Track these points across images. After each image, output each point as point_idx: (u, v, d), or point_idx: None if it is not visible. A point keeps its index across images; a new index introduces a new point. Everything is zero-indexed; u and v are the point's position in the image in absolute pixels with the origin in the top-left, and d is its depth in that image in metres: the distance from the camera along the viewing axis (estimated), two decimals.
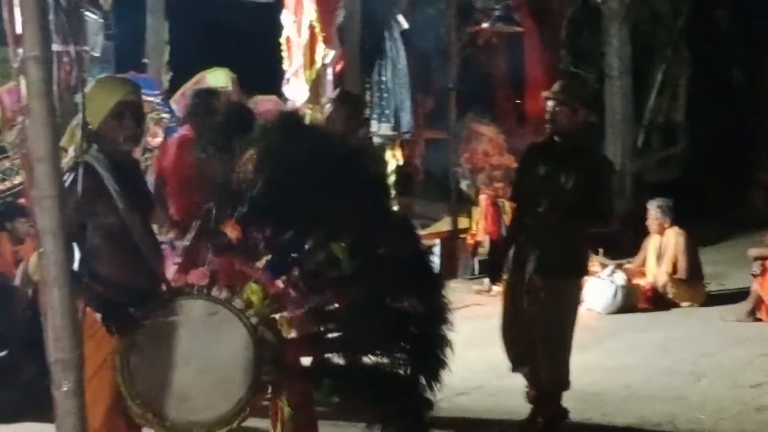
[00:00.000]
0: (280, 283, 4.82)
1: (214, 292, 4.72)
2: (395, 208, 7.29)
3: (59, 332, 3.55)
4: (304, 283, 4.84)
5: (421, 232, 12.67)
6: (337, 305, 4.96)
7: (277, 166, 4.85)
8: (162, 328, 4.62)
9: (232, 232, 4.76)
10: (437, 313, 4.97)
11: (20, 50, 3.66)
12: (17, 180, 10.86)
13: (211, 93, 7.38)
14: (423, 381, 4.97)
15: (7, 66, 15.23)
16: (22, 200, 9.96)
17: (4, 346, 7.89)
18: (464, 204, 13.12)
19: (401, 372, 4.94)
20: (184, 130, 7.61)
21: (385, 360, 4.93)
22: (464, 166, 12.92)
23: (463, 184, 12.97)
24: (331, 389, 4.91)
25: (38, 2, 3.45)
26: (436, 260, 12.60)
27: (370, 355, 4.94)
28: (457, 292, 11.73)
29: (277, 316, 4.85)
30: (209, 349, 4.64)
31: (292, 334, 4.93)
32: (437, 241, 12.78)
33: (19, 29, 3.66)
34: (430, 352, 4.94)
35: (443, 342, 4.95)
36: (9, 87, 11.20)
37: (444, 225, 13.22)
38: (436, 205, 13.90)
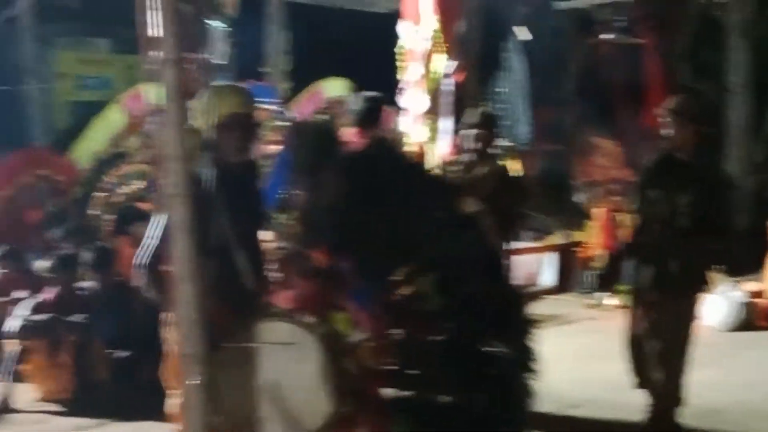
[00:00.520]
0: (365, 313, 4.79)
1: (300, 316, 4.69)
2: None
3: (189, 327, 3.62)
4: (390, 315, 4.80)
5: (535, 245, 12.67)
6: (421, 340, 4.90)
7: (368, 195, 4.82)
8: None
9: (319, 258, 4.76)
10: (523, 360, 4.90)
11: (154, 54, 3.71)
12: (138, 185, 11.13)
13: (378, 100, 7.27)
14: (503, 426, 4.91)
15: (132, 73, 15.69)
16: (141, 204, 10.21)
17: (125, 347, 8.07)
18: (580, 217, 13.02)
19: (481, 415, 4.90)
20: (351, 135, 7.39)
21: (465, 401, 4.88)
22: (581, 179, 12.83)
23: (580, 197, 12.88)
24: (408, 425, 4.86)
25: (176, 6, 3.54)
26: (552, 273, 12.56)
27: (450, 395, 4.88)
28: (571, 305, 11.65)
29: (360, 346, 4.82)
30: (290, 374, 4.60)
31: (374, 366, 4.86)
32: (553, 253, 12.72)
33: (153, 33, 3.72)
34: (512, 398, 4.87)
35: (526, 390, 4.88)
36: (133, 93, 11.49)
37: (559, 238, 13.13)
38: (551, 218, 13.82)
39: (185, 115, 3.67)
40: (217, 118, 4.82)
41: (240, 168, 5.01)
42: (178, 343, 3.76)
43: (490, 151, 7.42)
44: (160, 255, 4.60)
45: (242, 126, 4.90)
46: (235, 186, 4.87)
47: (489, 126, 7.52)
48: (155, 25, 3.69)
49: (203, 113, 4.84)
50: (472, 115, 7.56)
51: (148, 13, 3.71)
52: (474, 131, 7.37)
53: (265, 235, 5.32)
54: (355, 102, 7.00)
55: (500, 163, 7.99)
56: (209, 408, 4.47)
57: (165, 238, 4.47)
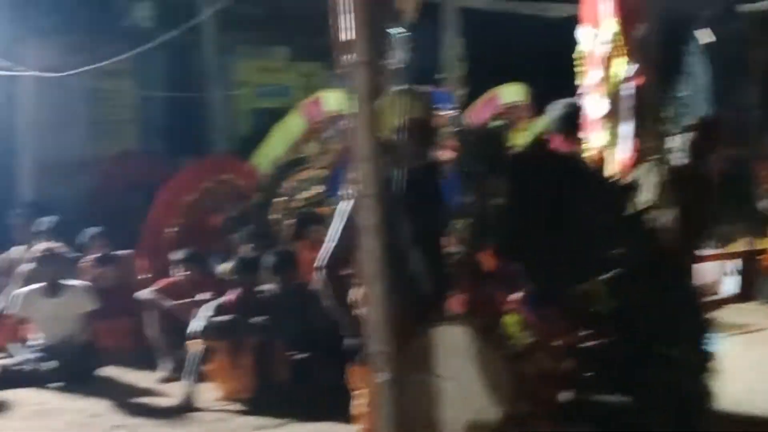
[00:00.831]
0: (537, 316, 4.75)
1: (473, 320, 4.67)
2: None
3: (379, 325, 3.64)
4: (562, 318, 4.75)
5: (718, 252, 12.34)
6: (594, 343, 4.83)
7: (539, 199, 4.78)
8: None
9: (487, 261, 4.73)
10: (700, 365, 4.78)
11: (346, 58, 3.76)
12: (316, 190, 11.29)
13: (575, 106, 7.16)
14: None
15: (309, 80, 15.92)
16: (320, 209, 10.35)
17: (305, 348, 8.18)
18: (764, 224, 12.63)
19: (656, 420, 4.78)
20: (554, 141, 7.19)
21: (640, 405, 4.78)
22: (765, 185, 12.47)
23: (764, 204, 12.51)
24: (583, 428, 4.79)
25: (369, 9, 3.57)
26: (734, 281, 12.23)
27: (624, 398, 4.79)
28: (754, 314, 11.31)
29: (532, 349, 4.78)
30: (465, 378, 4.57)
31: (547, 368, 4.85)
32: (736, 261, 12.37)
33: (345, 37, 3.77)
34: (688, 403, 4.75)
35: (703, 396, 4.75)
36: (312, 100, 11.67)
37: (742, 245, 12.75)
38: (734, 225, 13.44)
39: (376, 118, 3.69)
40: (399, 122, 4.85)
41: (421, 171, 5.04)
42: (367, 341, 3.78)
43: (704, 157, 7.26)
44: (340, 258, 4.67)
45: (423, 130, 4.93)
46: (416, 189, 4.90)
47: (709, 133, 7.36)
48: (347, 29, 3.73)
49: (386, 117, 4.85)
50: (694, 120, 7.43)
51: (341, 17, 3.76)
52: (692, 135, 7.23)
53: (444, 239, 5.33)
54: (554, 109, 6.91)
55: (707, 171, 7.81)
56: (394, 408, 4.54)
57: (345, 241, 4.53)
